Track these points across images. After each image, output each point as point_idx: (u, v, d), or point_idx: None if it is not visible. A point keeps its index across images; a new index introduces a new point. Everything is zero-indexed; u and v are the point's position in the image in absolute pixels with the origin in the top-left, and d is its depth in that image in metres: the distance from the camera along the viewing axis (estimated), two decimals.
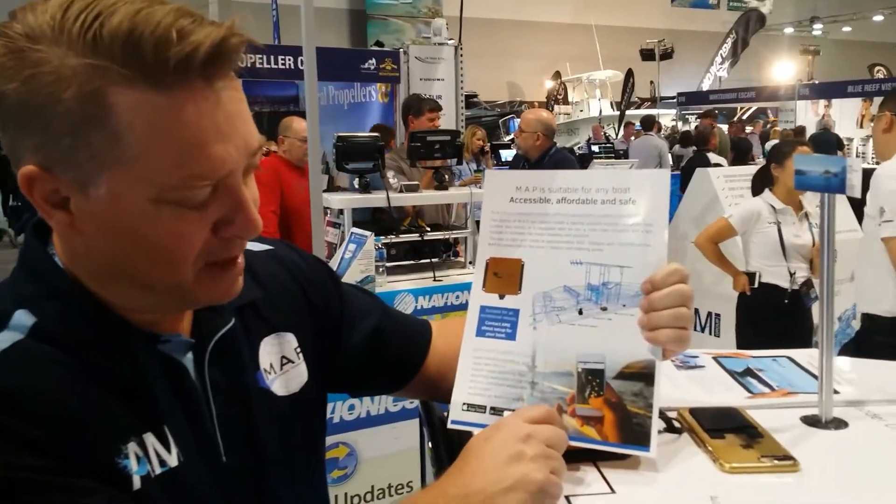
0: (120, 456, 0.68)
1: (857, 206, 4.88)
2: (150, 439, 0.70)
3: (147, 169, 0.65)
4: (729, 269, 3.70)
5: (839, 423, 0.92)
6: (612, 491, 0.78)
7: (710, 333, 4.72)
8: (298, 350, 0.90)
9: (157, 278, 0.70)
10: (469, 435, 0.95)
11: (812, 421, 0.93)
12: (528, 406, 0.79)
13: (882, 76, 17.44)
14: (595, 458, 0.84)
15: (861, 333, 3.01)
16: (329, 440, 2.22)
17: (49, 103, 0.63)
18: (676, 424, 0.92)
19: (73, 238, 0.70)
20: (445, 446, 0.99)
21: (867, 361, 1.16)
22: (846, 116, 13.55)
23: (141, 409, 0.71)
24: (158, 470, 0.70)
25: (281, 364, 0.87)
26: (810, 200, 4.98)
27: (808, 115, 13.77)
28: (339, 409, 2.17)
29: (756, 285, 3.60)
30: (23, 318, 0.68)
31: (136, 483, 0.68)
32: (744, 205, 3.69)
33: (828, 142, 11.66)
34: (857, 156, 12.58)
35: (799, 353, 1.21)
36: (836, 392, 0.95)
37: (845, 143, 12.75)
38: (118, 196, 0.66)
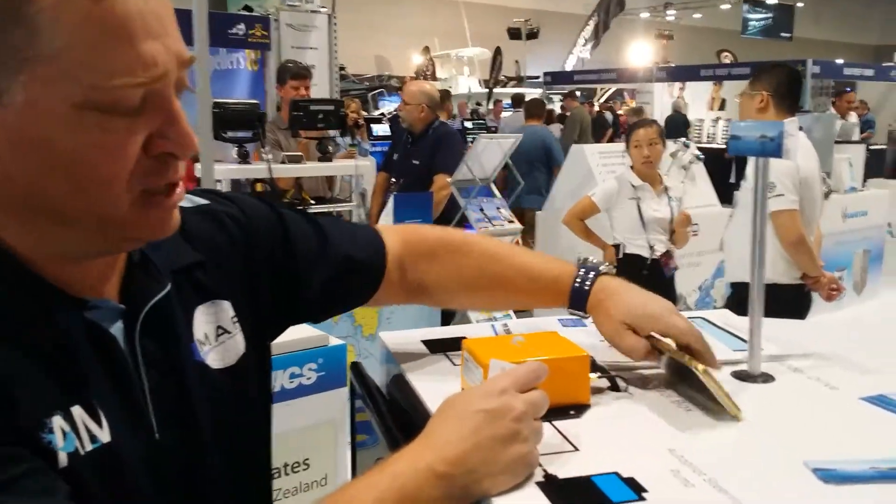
0: (43, 430, 0.60)
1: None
2: (78, 412, 0.63)
3: (70, 66, 0.58)
4: (597, 242, 3.90)
5: (767, 378, 0.97)
6: (576, 449, 0.79)
7: None
8: (235, 319, 0.84)
9: (85, 208, 0.63)
10: (415, 403, 0.93)
11: (743, 376, 0.98)
12: (516, 367, 0.77)
13: (728, 61, 18.63)
14: (548, 417, 0.84)
15: (734, 301, 3.20)
16: None
17: None
18: (621, 384, 0.94)
19: None
20: (389, 413, 0.97)
21: (776, 321, 1.23)
22: (698, 99, 14.37)
23: (66, 380, 0.64)
24: (89, 446, 0.63)
25: (217, 335, 0.81)
26: (674, 175, 5.27)
27: (663, 98, 14.51)
28: None
29: (621, 256, 3.81)
30: None
31: (63, 460, 0.61)
32: (605, 184, 3.94)
33: (676, 123, 12.39)
34: (708, 137, 13.41)
35: (711, 314, 1.28)
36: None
37: (695, 124, 13.56)
38: (37, 101, 0.59)
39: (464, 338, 0.97)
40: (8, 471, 0.57)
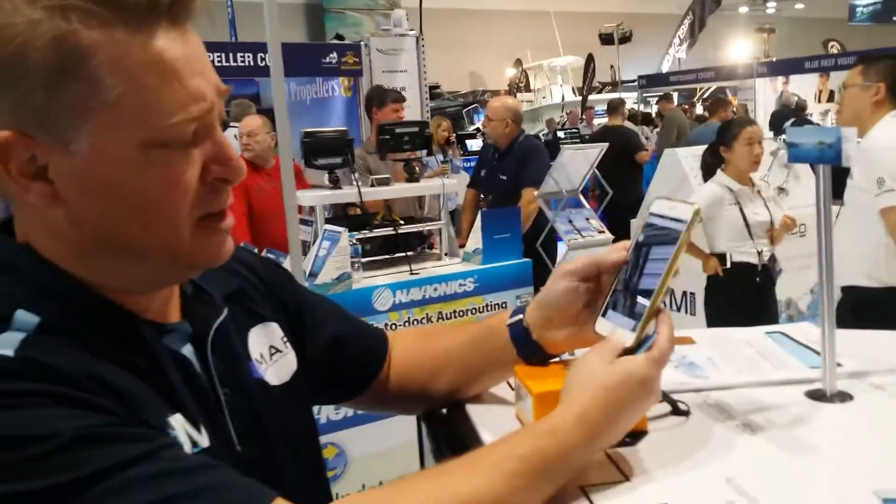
0: (168, 427, 0.66)
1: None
2: (180, 419, 0.68)
3: (131, 111, 0.63)
4: (699, 254, 3.73)
5: (844, 397, 0.91)
6: (627, 479, 0.76)
7: (686, 312, 4.75)
8: (285, 339, 0.89)
9: (152, 240, 0.68)
10: (469, 430, 0.93)
11: (817, 395, 0.92)
12: (661, 347, 0.77)
13: (836, 51, 17.72)
14: None
15: (846, 306, 3.02)
16: None
17: (21, 55, 0.60)
18: (682, 407, 0.91)
19: (54, 213, 0.66)
20: (446, 439, 0.97)
21: (863, 332, 1.16)
22: (803, 92, 13.72)
23: (164, 393, 0.69)
24: (192, 451, 0.68)
25: (270, 354, 0.86)
26: (776, 175, 5.04)
27: (766, 93, 13.93)
28: (325, 409, 2.13)
29: (728, 265, 3.64)
30: (25, 317, 0.64)
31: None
32: (705, 191, 3.73)
33: (784, 118, 11.82)
34: None
35: (791, 328, 1.21)
36: (838, 364, 0.94)
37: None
38: (103, 147, 0.64)
39: None
40: (160, 438, 0.63)
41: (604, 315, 0.84)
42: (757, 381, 0.98)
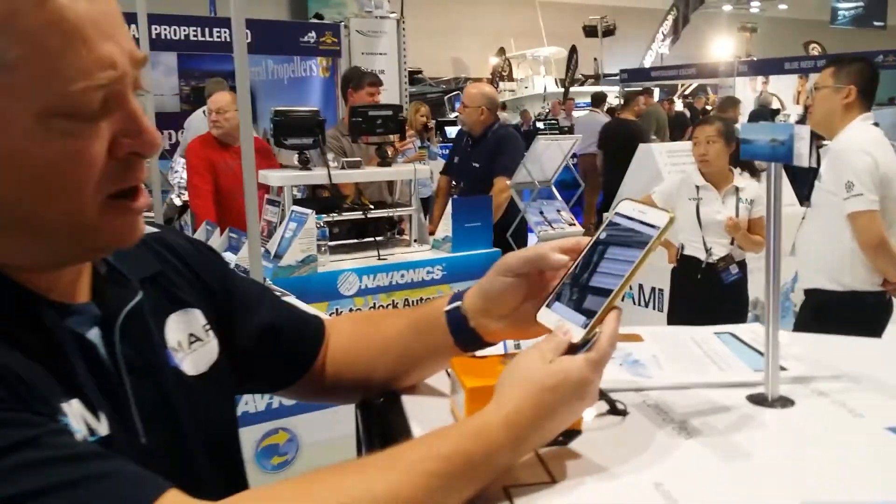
0: (59, 414, 0.61)
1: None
2: (77, 404, 0.63)
3: (29, 75, 0.58)
4: (666, 243, 3.76)
5: (786, 402, 0.89)
6: (553, 480, 0.73)
7: (654, 308, 4.76)
8: (207, 327, 0.84)
9: (54, 216, 0.63)
10: (400, 416, 0.90)
11: (759, 399, 0.90)
12: (601, 348, 0.73)
13: (816, 53, 17.85)
14: None
15: (808, 310, 3.02)
16: (268, 426, 2.15)
17: None
18: (620, 406, 0.88)
19: None
20: (378, 431, 0.94)
21: (815, 336, 1.14)
22: (783, 93, 13.83)
23: (62, 377, 0.64)
24: (90, 438, 0.63)
25: (189, 342, 0.81)
26: (748, 174, 5.06)
27: (746, 92, 14.01)
28: None
29: (679, 256, 3.71)
30: None
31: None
32: (666, 182, 3.83)
33: (763, 118, 11.89)
34: None
35: (739, 329, 1.19)
36: (783, 368, 0.92)
37: (780, 119, 13.02)
38: None
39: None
40: (47, 424, 0.58)
41: (548, 305, 0.81)
42: (700, 382, 0.96)
